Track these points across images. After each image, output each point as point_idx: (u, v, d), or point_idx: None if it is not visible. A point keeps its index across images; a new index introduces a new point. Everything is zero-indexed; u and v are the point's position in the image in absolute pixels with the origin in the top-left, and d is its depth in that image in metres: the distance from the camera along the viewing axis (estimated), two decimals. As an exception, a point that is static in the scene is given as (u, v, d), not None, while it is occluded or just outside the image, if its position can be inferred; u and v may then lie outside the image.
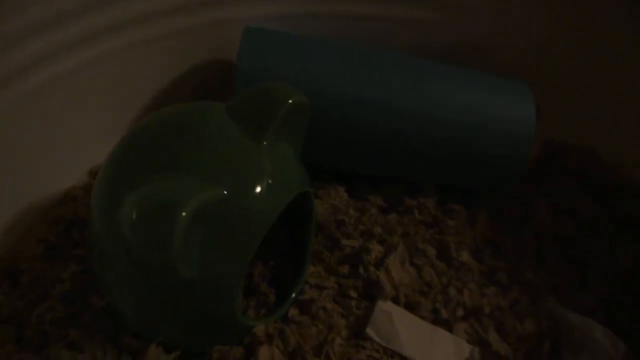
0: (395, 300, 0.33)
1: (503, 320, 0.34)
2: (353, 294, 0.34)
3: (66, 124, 0.38)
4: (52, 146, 0.37)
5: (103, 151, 0.40)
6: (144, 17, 0.39)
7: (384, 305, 0.33)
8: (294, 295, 0.33)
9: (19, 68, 0.33)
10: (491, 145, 0.37)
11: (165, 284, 0.26)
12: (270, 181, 0.27)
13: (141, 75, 0.41)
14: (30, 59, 0.34)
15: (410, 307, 0.34)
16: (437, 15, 0.45)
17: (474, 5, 0.44)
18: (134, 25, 0.38)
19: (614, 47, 0.43)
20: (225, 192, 0.25)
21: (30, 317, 0.31)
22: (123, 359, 0.30)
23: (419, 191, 0.40)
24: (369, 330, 0.32)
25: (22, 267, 0.34)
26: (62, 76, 0.36)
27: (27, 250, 0.35)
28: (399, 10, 0.45)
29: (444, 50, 0.45)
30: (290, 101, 0.28)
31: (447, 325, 0.33)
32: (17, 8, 0.32)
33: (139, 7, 0.38)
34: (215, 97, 0.45)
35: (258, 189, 0.27)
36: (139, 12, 0.39)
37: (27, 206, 0.36)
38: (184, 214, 0.23)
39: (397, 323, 0.32)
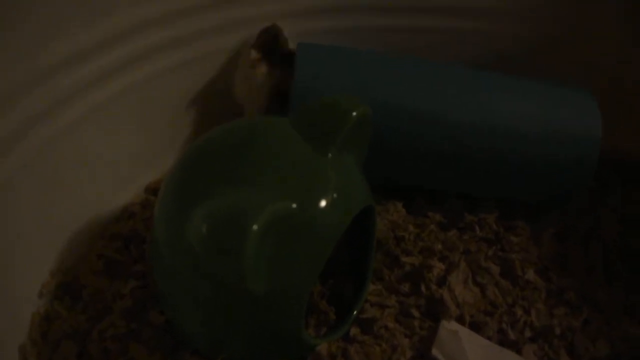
0: (460, 320, 0.32)
1: (575, 341, 0.32)
2: (415, 313, 0.33)
3: (123, 142, 0.38)
4: (109, 164, 0.38)
5: (159, 168, 0.41)
6: (201, 33, 0.39)
7: (449, 325, 0.32)
8: (355, 313, 0.32)
9: (71, 91, 0.34)
10: (556, 156, 0.36)
11: (232, 298, 0.26)
12: (335, 195, 0.27)
13: (193, 92, 0.41)
14: (88, 79, 0.34)
15: (476, 327, 0.32)
16: (491, 26, 0.44)
17: (531, 14, 0.43)
18: (195, 40, 0.39)
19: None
20: (294, 206, 0.25)
21: (92, 332, 0.31)
22: (183, 377, 0.30)
23: (479, 206, 0.39)
24: (435, 351, 0.30)
25: (83, 282, 0.34)
26: (115, 97, 0.36)
27: (87, 265, 0.35)
28: (452, 21, 0.44)
29: (500, 60, 0.44)
30: (355, 113, 0.27)
31: (515, 347, 0.32)
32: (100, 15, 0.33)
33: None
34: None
35: (324, 203, 0.26)
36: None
37: (86, 223, 0.36)
38: (255, 227, 0.22)
39: (463, 344, 0.31)
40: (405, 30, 0.43)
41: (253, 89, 0.39)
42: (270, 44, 0.39)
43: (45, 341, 0.32)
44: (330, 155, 0.27)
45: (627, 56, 0.43)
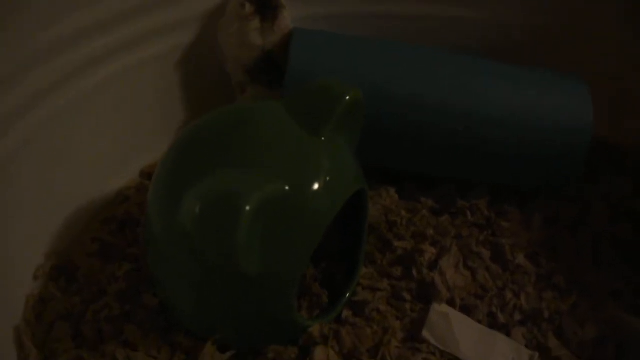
0: (451, 304, 0.33)
1: (563, 325, 0.33)
2: (407, 296, 0.33)
3: (118, 126, 0.38)
4: (105, 148, 0.38)
5: (153, 152, 0.41)
6: (197, 18, 0.39)
7: (440, 308, 0.32)
8: (347, 296, 0.32)
9: (65, 75, 0.34)
10: (547, 143, 0.36)
11: (225, 280, 0.26)
12: (328, 178, 0.27)
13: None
14: (85, 62, 0.35)
15: (466, 310, 0.33)
16: (484, 14, 0.44)
17: (531, 15, 0.43)
18: (191, 26, 0.39)
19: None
20: (287, 188, 0.25)
21: (87, 313, 0.32)
22: (177, 357, 0.30)
23: (471, 192, 0.39)
24: (425, 333, 0.31)
25: (77, 264, 0.34)
26: (110, 80, 0.36)
27: (82, 248, 0.35)
28: (443, 9, 0.44)
29: (494, 48, 0.44)
30: (348, 97, 0.28)
31: (505, 330, 0.32)
32: None
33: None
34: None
35: (317, 186, 0.26)
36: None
37: (81, 206, 0.37)
38: (248, 207, 0.22)
39: (454, 326, 0.31)
40: (402, 17, 0.43)
41: (245, 45, 0.38)
42: None
43: (40, 322, 0.32)
44: (323, 138, 0.27)
45: (627, 56, 0.43)
